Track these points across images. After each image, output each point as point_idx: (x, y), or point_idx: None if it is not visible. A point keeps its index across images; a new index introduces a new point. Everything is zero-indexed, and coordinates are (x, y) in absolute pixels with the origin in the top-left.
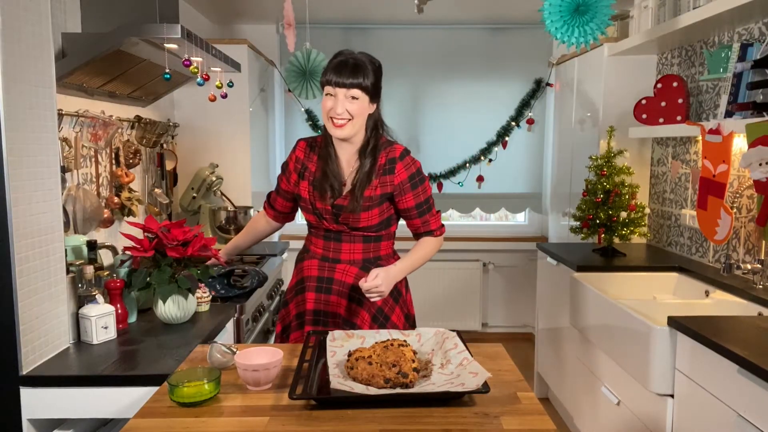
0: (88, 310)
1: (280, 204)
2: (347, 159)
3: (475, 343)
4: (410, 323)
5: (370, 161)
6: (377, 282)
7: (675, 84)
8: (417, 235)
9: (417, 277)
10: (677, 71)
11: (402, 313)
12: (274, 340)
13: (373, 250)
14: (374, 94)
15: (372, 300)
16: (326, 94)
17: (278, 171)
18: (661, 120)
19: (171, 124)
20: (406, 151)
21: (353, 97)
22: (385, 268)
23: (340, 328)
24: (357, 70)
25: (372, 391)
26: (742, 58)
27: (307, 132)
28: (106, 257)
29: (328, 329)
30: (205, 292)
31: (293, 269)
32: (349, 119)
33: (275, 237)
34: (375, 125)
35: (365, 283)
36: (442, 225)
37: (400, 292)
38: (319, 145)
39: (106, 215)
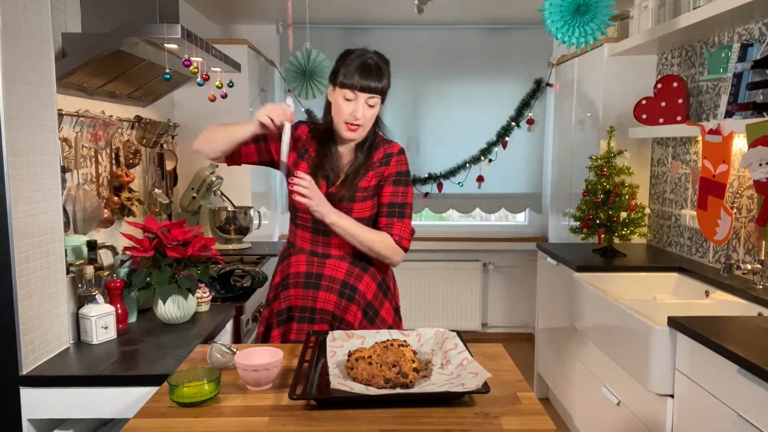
0: (88, 310)
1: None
2: (345, 152)
3: (475, 343)
4: (398, 315)
5: (365, 156)
6: (308, 191)
7: (675, 84)
8: None
9: (417, 277)
10: (677, 71)
11: (391, 306)
12: (255, 340)
13: None
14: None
15: (293, 190)
16: (345, 99)
17: (278, 171)
18: (661, 120)
19: (171, 124)
20: (403, 151)
21: (370, 105)
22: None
23: (330, 325)
24: (380, 74)
25: (372, 391)
26: (742, 58)
27: None
28: (106, 257)
29: (314, 326)
30: (205, 292)
31: (276, 268)
32: (362, 124)
33: (275, 237)
34: (375, 122)
35: (299, 179)
36: (406, 239)
37: (388, 286)
38: (320, 134)
39: (106, 215)
